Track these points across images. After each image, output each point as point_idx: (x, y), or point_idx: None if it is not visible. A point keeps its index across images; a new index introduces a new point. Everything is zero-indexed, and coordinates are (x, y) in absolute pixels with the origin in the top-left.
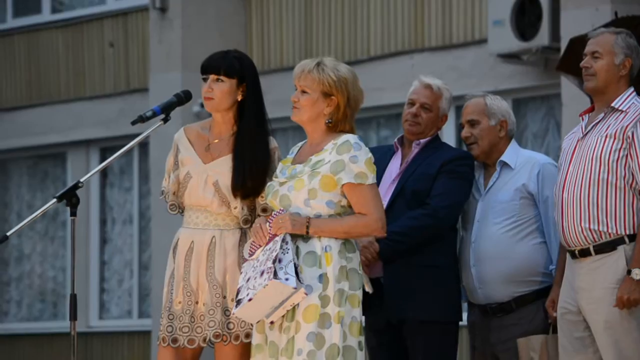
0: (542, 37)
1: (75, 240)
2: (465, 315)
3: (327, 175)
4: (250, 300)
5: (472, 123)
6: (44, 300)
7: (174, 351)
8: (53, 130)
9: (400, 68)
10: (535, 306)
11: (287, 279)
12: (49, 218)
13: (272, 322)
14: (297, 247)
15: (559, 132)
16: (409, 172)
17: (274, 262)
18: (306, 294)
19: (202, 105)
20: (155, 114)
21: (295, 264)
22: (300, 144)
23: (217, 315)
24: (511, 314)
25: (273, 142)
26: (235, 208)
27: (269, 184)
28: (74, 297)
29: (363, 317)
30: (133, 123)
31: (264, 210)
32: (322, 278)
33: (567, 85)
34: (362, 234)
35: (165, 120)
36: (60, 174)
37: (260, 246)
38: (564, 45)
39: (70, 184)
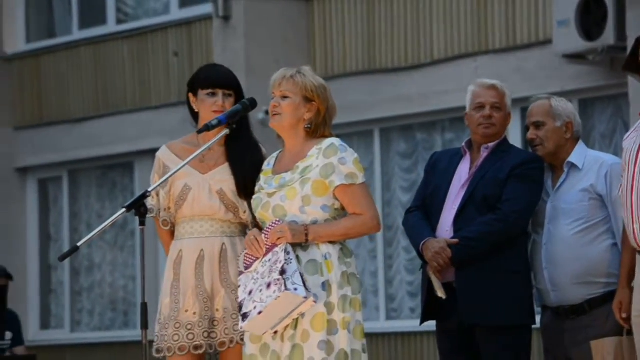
0: (608, 37)
1: (145, 249)
2: (538, 319)
3: (318, 180)
4: (260, 313)
5: (538, 125)
6: (115, 309)
7: (185, 358)
8: (120, 140)
9: (464, 71)
10: (608, 307)
11: (296, 289)
12: (118, 227)
13: (275, 332)
14: (298, 256)
15: (627, 131)
16: (479, 176)
17: (281, 273)
18: (315, 302)
19: (266, 113)
20: (220, 123)
21: (300, 273)
22: (275, 154)
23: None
24: (584, 315)
25: (263, 149)
26: (244, 212)
27: (254, 197)
28: (144, 306)
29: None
30: (199, 132)
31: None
32: (325, 285)
33: (634, 85)
34: (360, 234)
35: (231, 128)
36: (128, 184)
37: (257, 258)
38: (629, 44)
39: (138, 193)
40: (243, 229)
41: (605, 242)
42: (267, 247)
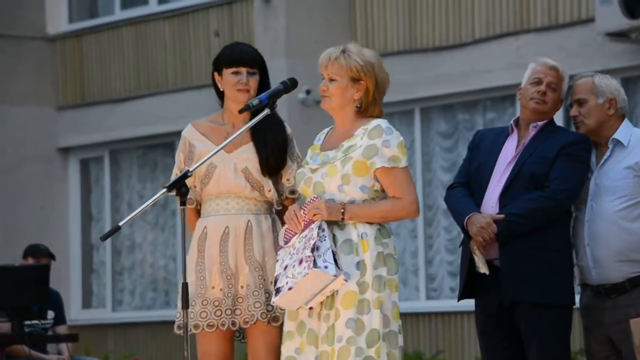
0: None
1: (185, 229)
2: (577, 299)
3: (360, 160)
4: (290, 289)
5: (580, 102)
6: (155, 289)
7: (214, 335)
8: (162, 120)
9: (506, 50)
10: None
11: (326, 267)
12: (159, 207)
13: (310, 308)
14: (334, 235)
15: None
16: (527, 154)
17: (312, 250)
18: (346, 280)
19: (307, 92)
20: (262, 103)
21: (333, 251)
22: (326, 130)
23: (262, 297)
24: (625, 294)
25: (288, 128)
26: (269, 191)
27: (298, 171)
28: (185, 286)
29: (473, 301)
30: (240, 112)
31: (292, 192)
32: (360, 265)
33: None
34: (398, 218)
35: (272, 108)
36: (170, 164)
37: (295, 233)
38: None
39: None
40: (269, 207)
41: None
42: (305, 222)
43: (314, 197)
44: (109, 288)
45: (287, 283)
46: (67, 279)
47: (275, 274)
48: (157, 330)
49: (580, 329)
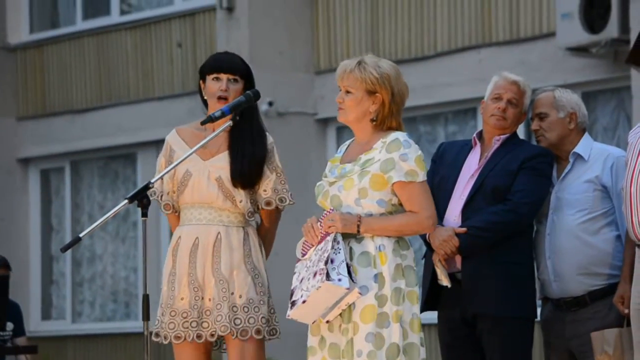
0: (611, 30)
1: (147, 240)
2: (538, 312)
3: (377, 174)
4: (304, 302)
5: (541, 116)
6: (116, 300)
7: (189, 346)
8: (123, 131)
9: (468, 63)
10: (610, 300)
11: (339, 280)
12: (120, 219)
13: (327, 321)
14: (351, 248)
15: (630, 124)
16: (489, 167)
17: (325, 263)
18: (360, 293)
19: (270, 104)
20: (224, 114)
21: (347, 264)
22: (348, 142)
23: (224, 310)
24: (586, 308)
25: (270, 138)
26: (240, 202)
27: (318, 183)
28: (146, 298)
29: (435, 314)
30: (202, 123)
31: (268, 203)
32: (378, 278)
33: (638, 78)
34: (414, 232)
35: (234, 119)
36: (131, 175)
37: (313, 245)
38: (633, 37)
39: (140, 184)
40: (243, 219)
41: (609, 233)
42: (322, 235)
43: (331, 210)
44: (69, 299)
45: (301, 296)
46: (26, 290)
47: (292, 287)
48: (117, 342)
49: (541, 342)
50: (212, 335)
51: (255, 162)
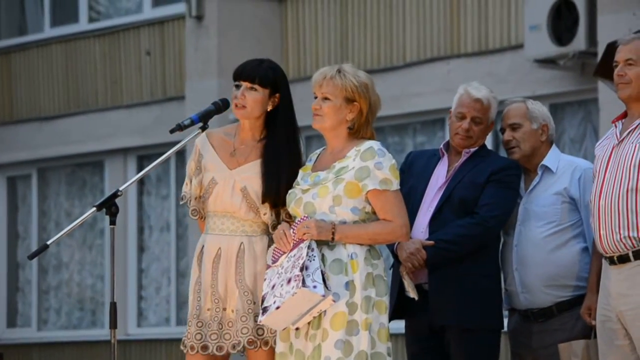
0: (579, 42)
1: (114, 248)
2: (505, 322)
3: (352, 182)
4: (278, 308)
5: (514, 127)
6: (82, 308)
7: (203, 358)
8: (91, 139)
9: (437, 74)
10: (577, 311)
11: (315, 287)
12: (87, 226)
13: (297, 329)
14: (323, 255)
15: (597, 137)
16: (457, 179)
17: (301, 269)
18: (334, 300)
19: None
20: (193, 123)
21: (322, 271)
22: (318, 151)
23: (250, 322)
24: (553, 319)
25: (303, 155)
26: (264, 214)
27: (290, 191)
28: (113, 306)
29: (403, 323)
30: (171, 131)
31: (290, 215)
32: (349, 285)
33: (604, 90)
34: (387, 240)
35: (203, 128)
36: (98, 182)
37: (284, 253)
38: (600, 50)
39: (108, 192)
40: (265, 228)
41: (576, 245)
42: (295, 242)
43: (304, 217)
44: (35, 307)
45: (274, 302)
46: None
47: (263, 293)
48: (83, 350)
49: (508, 354)
50: (234, 348)
51: (291, 184)
